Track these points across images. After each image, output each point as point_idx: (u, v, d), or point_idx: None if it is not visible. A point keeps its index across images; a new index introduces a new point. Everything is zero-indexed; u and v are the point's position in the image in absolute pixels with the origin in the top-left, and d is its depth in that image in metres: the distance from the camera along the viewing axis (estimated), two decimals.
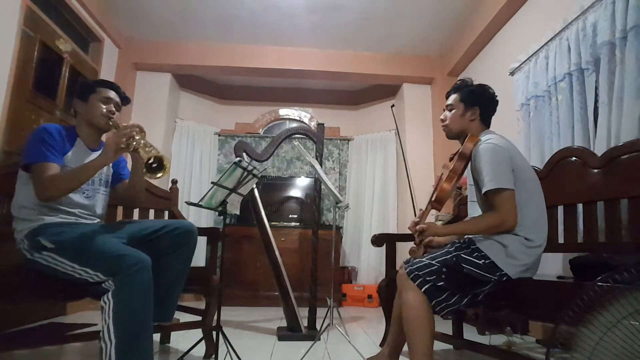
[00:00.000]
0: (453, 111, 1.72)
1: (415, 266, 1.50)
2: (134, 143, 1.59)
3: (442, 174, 1.65)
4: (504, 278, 1.47)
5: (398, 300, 1.79)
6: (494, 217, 1.49)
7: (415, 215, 1.91)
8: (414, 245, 1.58)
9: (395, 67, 4.31)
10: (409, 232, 1.64)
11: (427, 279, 1.46)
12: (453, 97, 1.74)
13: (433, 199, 1.58)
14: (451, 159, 1.68)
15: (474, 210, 1.74)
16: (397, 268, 2.28)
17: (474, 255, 1.49)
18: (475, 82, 1.75)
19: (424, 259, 1.52)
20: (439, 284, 1.46)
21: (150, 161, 1.58)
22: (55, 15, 3.11)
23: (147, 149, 1.60)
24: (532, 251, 1.51)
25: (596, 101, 2.15)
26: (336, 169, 4.94)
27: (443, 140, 4.08)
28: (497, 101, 1.75)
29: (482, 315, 2.69)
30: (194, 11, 3.63)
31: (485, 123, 1.73)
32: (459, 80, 1.79)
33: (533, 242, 1.50)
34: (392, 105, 2.20)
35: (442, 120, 1.77)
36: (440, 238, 1.83)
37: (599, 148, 1.98)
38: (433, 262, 1.50)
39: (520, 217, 1.49)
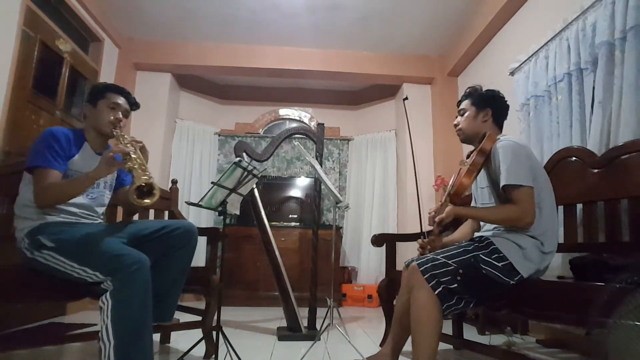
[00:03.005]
0: (466, 114, 1.76)
1: (430, 264, 1.46)
2: (129, 163, 1.54)
3: (460, 169, 1.65)
4: (513, 282, 1.46)
5: (400, 301, 1.78)
6: (514, 210, 1.48)
7: (420, 213, 1.91)
8: (432, 237, 1.57)
9: (395, 67, 4.31)
10: (409, 232, 1.64)
11: (442, 280, 1.43)
12: (465, 103, 1.79)
13: (452, 192, 1.58)
14: (468, 157, 1.69)
15: None
16: (398, 268, 2.28)
17: (493, 256, 1.47)
18: (478, 85, 1.80)
19: (439, 257, 1.48)
20: (452, 286, 1.43)
21: (142, 185, 1.50)
22: (55, 15, 3.11)
23: (141, 172, 1.53)
24: (545, 257, 1.51)
25: (593, 100, 2.15)
26: (336, 169, 4.94)
27: (443, 140, 4.10)
28: (508, 105, 1.78)
29: (482, 315, 2.69)
30: (194, 11, 3.63)
31: (498, 125, 1.75)
32: (469, 87, 1.82)
33: (547, 248, 1.51)
34: (405, 98, 2.16)
35: (456, 125, 1.80)
36: (447, 239, 1.84)
37: (593, 147, 1.98)
38: (450, 261, 1.46)
39: (539, 220, 1.50)
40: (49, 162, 1.53)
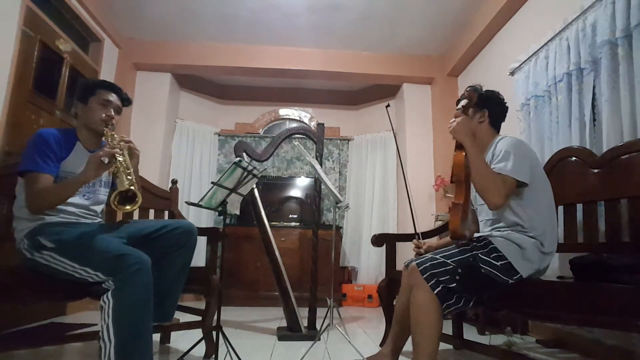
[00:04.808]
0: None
1: (429, 263, 1.47)
2: (114, 166, 1.52)
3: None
4: (512, 281, 1.46)
5: (400, 301, 1.78)
6: (499, 183, 1.46)
7: (412, 214, 1.90)
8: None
9: (395, 67, 4.31)
10: (409, 232, 1.64)
11: (440, 279, 1.43)
12: (462, 103, 1.76)
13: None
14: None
15: (483, 212, 1.72)
16: (398, 268, 2.28)
17: (492, 256, 1.47)
18: (478, 84, 1.78)
19: (438, 257, 1.49)
20: (451, 285, 1.43)
21: (123, 190, 1.47)
22: (55, 15, 3.10)
23: (124, 177, 1.50)
24: (545, 257, 1.52)
25: (593, 100, 2.15)
26: (336, 169, 4.94)
27: (443, 140, 4.10)
28: (507, 107, 1.77)
29: (482, 315, 2.69)
30: (194, 11, 3.63)
31: (495, 127, 1.75)
32: (469, 87, 1.80)
33: (547, 248, 1.52)
34: (387, 105, 2.21)
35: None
36: (443, 240, 1.83)
37: (603, 146, 1.97)
38: (448, 261, 1.47)
39: (538, 220, 1.52)
40: (39, 165, 1.52)
